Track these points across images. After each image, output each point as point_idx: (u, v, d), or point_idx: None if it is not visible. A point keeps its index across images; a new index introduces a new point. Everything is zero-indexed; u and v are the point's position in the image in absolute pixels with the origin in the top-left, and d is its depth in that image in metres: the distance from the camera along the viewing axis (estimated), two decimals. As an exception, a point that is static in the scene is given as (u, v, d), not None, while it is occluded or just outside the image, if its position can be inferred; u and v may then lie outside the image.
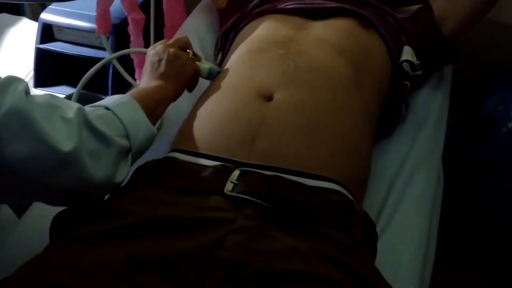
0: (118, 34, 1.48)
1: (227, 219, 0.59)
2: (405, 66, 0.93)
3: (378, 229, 0.77)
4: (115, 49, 1.42)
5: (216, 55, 1.10)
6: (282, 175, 0.65)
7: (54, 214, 0.64)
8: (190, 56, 0.85)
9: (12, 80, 0.52)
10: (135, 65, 1.38)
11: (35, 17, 1.71)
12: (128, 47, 1.31)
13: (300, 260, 0.55)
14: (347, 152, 0.73)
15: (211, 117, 0.76)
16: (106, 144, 0.59)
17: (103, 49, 1.39)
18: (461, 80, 1.20)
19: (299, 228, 0.60)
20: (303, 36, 0.90)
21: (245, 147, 0.69)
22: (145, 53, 0.85)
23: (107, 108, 0.63)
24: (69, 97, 0.96)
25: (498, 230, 1.38)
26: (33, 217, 0.80)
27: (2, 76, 0.53)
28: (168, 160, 0.71)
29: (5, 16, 1.81)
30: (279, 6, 1.01)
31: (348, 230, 0.62)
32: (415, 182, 0.88)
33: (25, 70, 1.64)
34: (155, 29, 1.26)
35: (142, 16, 1.31)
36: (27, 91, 0.53)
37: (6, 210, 0.85)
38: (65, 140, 0.53)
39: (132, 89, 0.90)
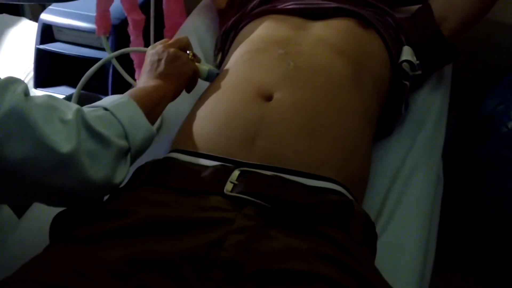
0: (118, 34, 1.48)
1: (227, 219, 0.59)
2: (405, 66, 0.93)
3: (378, 229, 0.77)
4: (115, 50, 1.42)
5: (216, 55, 1.10)
6: (282, 175, 0.65)
7: (54, 214, 0.64)
8: (190, 56, 0.85)
9: (11, 81, 0.52)
10: (135, 65, 1.38)
11: (35, 17, 1.71)
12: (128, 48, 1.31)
13: (299, 260, 0.55)
14: (347, 151, 0.73)
15: (210, 117, 0.76)
16: (105, 145, 0.59)
17: (103, 49, 1.39)
18: (461, 80, 1.20)
19: (299, 228, 0.60)
20: (303, 36, 0.90)
21: (244, 147, 0.69)
22: (144, 52, 0.85)
23: (105, 109, 0.63)
24: (68, 97, 0.96)
25: (498, 230, 1.38)
26: (33, 217, 0.80)
27: (2, 77, 0.53)
28: (168, 160, 0.71)
29: (5, 16, 1.81)
30: (279, 7, 1.01)
31: (347, 230, 0.62)
32: (415, 182, 0.88)
33: (25, 70, 1.64)
34: (155, 30, 1.26)
35: (142, 16, 1.31)
36: (26, 92, 0.53)
37: (6, 210, 0.85)
38: (63, 141, 0.53)
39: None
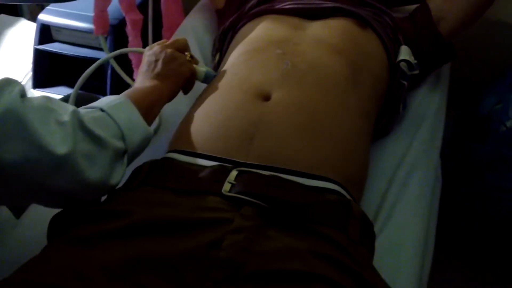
0: (116, 34, 1.47)
1: (225, 219, 0.59)
2: (403, 65, 0.93)
3: (376, 228, 0.78)
4: (113, 50, 1.42)
5: (214, 55, 1.10)
6: (280, 175, 0.65)
7: (52, 215, 0.64)
8: (188, 58, 0.85)
9: (7, 83, 0.52)
10: (133, 66, 1.38)
11: (33, 18, 1.70)
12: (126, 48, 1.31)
13: (298, 260, 0.56)
14: (345, 151, 0.73)
15: (208, 117, 0.76)
16: (101, 146, 0.59)
17: (102, 50, 1.39)
18: (459, 79, 1.20)
19: (297, 228, 0.60)
20: (301, 36, 0.90)
21: (242, 147, 0.69)
22: (142, 53, 0.85)
23: (102, 110, 0.63)
24: (66, 97, 0.96)
25: (497, 229, 1.38)
26: (31, 218, 0.80)
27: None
28: (165, 160, 0.72)
29: (3, 17, 1.81)
30: (277, 7, 1.01)
31: (345, 230, 0.62)
32: (413, 181, 0.88)
33: (23, 71, 1.63)
34: (153, 30, 1.26)
35: (140, 16, 1.31)
36: (22, 94, 0.53)
37: (5, 211, 0.85)
38: (59, 143, 0.53)
39: (129, 89, 0.90)
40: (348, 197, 0.69)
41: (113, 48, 1.46)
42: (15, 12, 1.90)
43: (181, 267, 0.54)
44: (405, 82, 0.93)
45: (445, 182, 0.99)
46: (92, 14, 1.27)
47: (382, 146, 0.95)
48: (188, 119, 0.79)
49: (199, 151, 0.71)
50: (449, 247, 1.37)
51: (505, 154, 1.22)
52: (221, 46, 1.07)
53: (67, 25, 1.52)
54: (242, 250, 0.56)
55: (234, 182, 0.63)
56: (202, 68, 0.88)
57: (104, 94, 1.50)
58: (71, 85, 1.59)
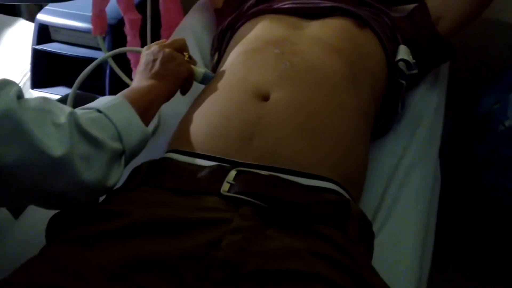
0: (115, 34, 1.47)
1: (224, 219, 0.59)
2: (401, 65, 0.93)
3: (375, 228, 0.78)
4: (111, 50, 1.42)
5: (212, 55, 1.09)
6: (279, 175, 0.65)
7: (50, 215, 0.64)
8: (186, 58, 0.85)
9: (4, 84, 0.52)
10: (132, 65, 1.38)
11: (31, 18, 1.70)
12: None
13: (297, 259, 0.55)
14: (343, 151, 0.73)
15: (207, 117, 0.76)
16: (98, 148, 0.59)
17: (100, 49, 1.39)
18: (458, 79, 1.20)
19: (296, 228, 0.60)
20: (299, 36, 0.90)
21: (241, 147, 0.69)
22: (140, 52, 0.85)
23: (99, 111, 0.63)
24: (64, 97, 0.96)
25: (496, 228, 1.38)
26: (30, 218, 0.79)
27: (-2, 78, 0.53)
28: (164, 160, 0.71)
29: (1, 17, 1.80)
30: (275, 6, 1.01)
31: (345, 230, 0.62)
32: (412, 181, 0.88)
33: (21, 71, 1.63)
34: (152, 29, 1.26)
35: (138, 16, 1.31)
36: (19, 95, 0.53)
37: (3, 211, 0.85)
38: (56, 145, 0.53)
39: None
40: (347, 196, 0.69)
41: (112, 48, 1.46)
42: (13, 12, 1.89)
43: (180, 267, 0.54)
44: (403, 82, 0.93)
45: (443, 181, 0.99)
46: (90, 14, 1.26)
47: (381, 145, 0.95)
48: (187, 119, 0.79)
49: (198, 151, 0.71)
50: (448, 247, 1.37)
51: (504, 153, 1.23)
52: (220, 46, 1.07)
53: (65, 25, 1.52)
54: (241, 250, 0.55)
55: (233, 182, 0.63)
56: (200, 69, 0.88)
57: (103, 94, 1.50)
58: (69, 85, 1.59)
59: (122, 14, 1.32)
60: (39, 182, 0.54)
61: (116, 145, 0.62)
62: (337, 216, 0.64)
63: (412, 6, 1.07)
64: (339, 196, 0.67)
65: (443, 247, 1.11)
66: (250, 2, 1.06)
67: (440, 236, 0.93)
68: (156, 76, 0.78)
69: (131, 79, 1.29)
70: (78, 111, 0.61)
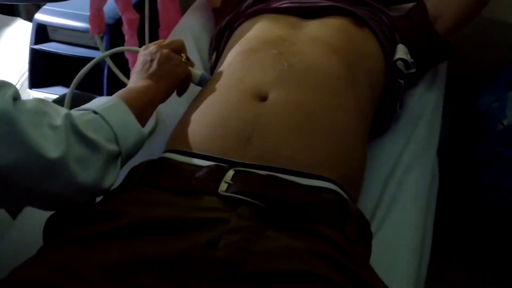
0: (113, 34, 1.47)
1: (222, 219, 0.59)
2: (399, 64, 0.93)
3: (373, 227, 0.78)
4: (109, 49, 1.42)
5: (210, 55, 1.09)
6: (277, 175, 0.65)
7: (48, 215, 0.64)
8: (183, 59, 0.85)
9: (0, 85, 0.52)
10: (130, 65, 1.38)
11: (29, 17, 1.70)
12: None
13: (295, 259, 0.55)
14: (342, 150, 0.73)
15: (205, 117, 0.75)
16: (95, 150, 0.59)
17: (98, 49, 1.38)
18: (456, 78, 1.20)
19: (294, 228, 0.60)
20: (297, 36, 0.90)
21: (239, 147, 0.69)
22: (138, 52, 0.85)
23: (95, 112, 0.63)
24: (62, 97, 0.95)
25: (495, 228, 1.38)
26: (27, 218, 0.79)
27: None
28: (162, 160, 0.71)
29: (-1, 17, 1.80)
30: (273, 6, 1.01)
31: (343, 229, 0.62)
32: (410, 180, 0.88)
33: (19, 71, 1.63)
34: (150, 29, 1.26)
35: (136, 15, 1.31)
36: (15, 97, 0.53)
37: (0, 211, 0.84)
38: (52, 147, 0.53)
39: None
40: (345, 196, 0.69)
41: (110, 47, 1.45)
42: (11, 11, 1.89)
43: (179, 267, 0.53)
44: (402, 81, 0.93)
45: (442, 181, 0.98)
46: (88, 13, 1.26)
47: (379, 145, 0.95)
48: (185, 119, 0.79)
49: (195, 151, 0.71)
50: (447, 247, 1.37)
51: (503, 152, 1.23)
52: (218, 46, 1.07)
53: (63, 24, 1.52)
54: (239, 250, 0.55)
55: (230, 182, 0.63)
56: (197, 71, 0.88)
57: (101, 94, 1.50)
58: (67, 85, 1.58)
59: (120, 14, 1.32)
60: (36, 184, 0.54)
61: (112, 146, 0.62)
62: (336, 216, 0.64)
63: (410, 5, 1.07)
64: (337, 196, 0.67)
65: (443, 247, 1.11)
66: (248, 2, 1.06)
67: (440, 236, 0.92)
68: (153, 76, 0.78)
69: (129, 79, 1.29)
70: (74, 112, 0.60)
